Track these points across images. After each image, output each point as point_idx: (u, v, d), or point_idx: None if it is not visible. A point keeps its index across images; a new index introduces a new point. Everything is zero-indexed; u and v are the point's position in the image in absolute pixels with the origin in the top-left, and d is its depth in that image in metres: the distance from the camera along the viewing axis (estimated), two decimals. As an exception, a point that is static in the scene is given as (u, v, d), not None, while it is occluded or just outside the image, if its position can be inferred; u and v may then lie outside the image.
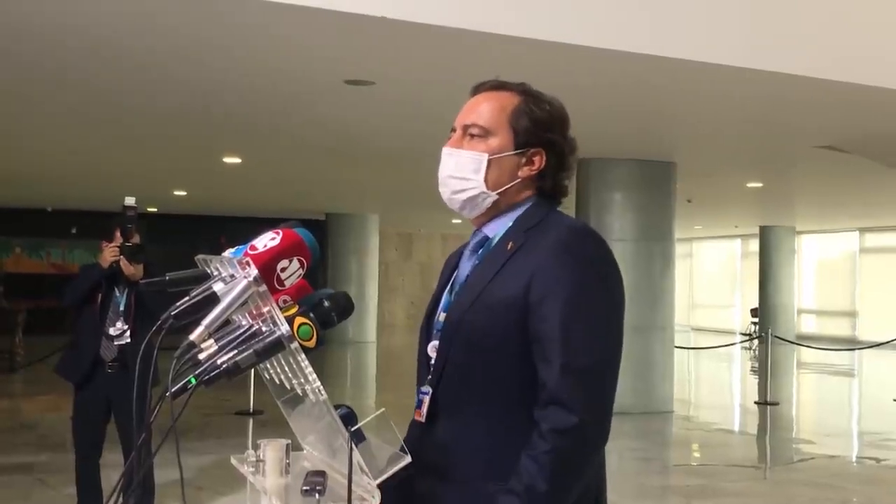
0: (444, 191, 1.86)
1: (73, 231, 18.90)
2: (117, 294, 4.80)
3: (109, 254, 4.69)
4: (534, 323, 1.70)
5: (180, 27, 5.19)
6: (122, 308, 4.78)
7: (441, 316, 1.84)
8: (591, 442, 1.68)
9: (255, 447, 1.75)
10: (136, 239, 4.72)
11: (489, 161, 1.81)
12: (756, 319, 20.39)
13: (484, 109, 1.84)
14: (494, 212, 1.85)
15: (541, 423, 1.65)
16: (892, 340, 14.77)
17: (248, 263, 1.54)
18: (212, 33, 5.33)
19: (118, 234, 4.72)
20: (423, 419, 1.81)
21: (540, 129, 1.83)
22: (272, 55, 5.83)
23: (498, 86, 1.87)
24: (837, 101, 6.80)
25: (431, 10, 4.88)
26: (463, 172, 1.82)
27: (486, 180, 1.81)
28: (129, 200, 4.73)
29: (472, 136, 1.83)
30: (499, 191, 1.82)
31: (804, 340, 18.11)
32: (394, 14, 4.78)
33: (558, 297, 1.68)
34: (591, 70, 5.90)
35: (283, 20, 5.00)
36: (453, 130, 1.87)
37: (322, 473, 1.61)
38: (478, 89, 1.89)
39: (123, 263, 4.68)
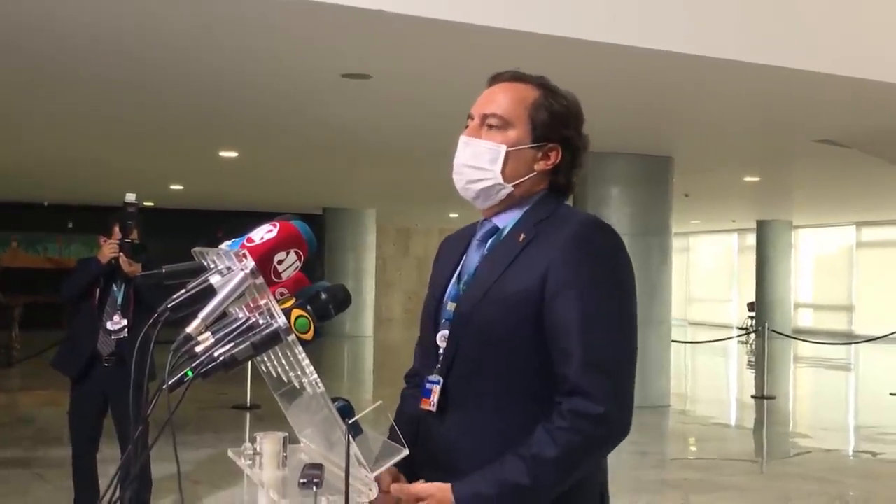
0: (459, 179, 1.85)
1: (70, 225, 18.88)
2: (115, 288, 4.77)
3: (108, 250, 4.66)
4: (550, 316, 1.69)
5: (174, 21, 5.17)
6: (119, 302, 4.76)
7: (450, 306, 1.83)
8: (613, 433, 1.68)
9: (252, 440, 1.75)
10: (136, 236, 4.69)
11: (507, 153, 1.80)
12: (753, 313, 20.40)
13: (503, 100, 1.83)
14: (507, 203, 1.84)
15: (563, 404, 1.65)
16: (889, 334, 14.78)
17: (244, 255, 1.54)
18: (206, 26, 5.31)
19: (117, 229, 4.70)
20: (432, 408, 1.80)
21: (557, 123, 1.83)
22: (268, 48, 5.81)
23: (516, 77, 1.87)
24: (836, 96, 6.80)
25: (428, 3, 4.87)
26: (480, 162, 1.82)
27: (502, 172, 1.81)
28: (130, 197, 4.67)
29: (491, 126, 1.82)
30: (514, 183, 1.82)
31: (801, 335, 18.11)
32: (391, 7, 4.77)
33: (574, 290, 1.68)
34: (588, 64, 5.88)
35: (279, 13, 4.98)
36: (470, 118, 1.86)
37: (319, 466, 1.60)
38: (496, 79, 1.88)
39: (123, 261, 4.64)
